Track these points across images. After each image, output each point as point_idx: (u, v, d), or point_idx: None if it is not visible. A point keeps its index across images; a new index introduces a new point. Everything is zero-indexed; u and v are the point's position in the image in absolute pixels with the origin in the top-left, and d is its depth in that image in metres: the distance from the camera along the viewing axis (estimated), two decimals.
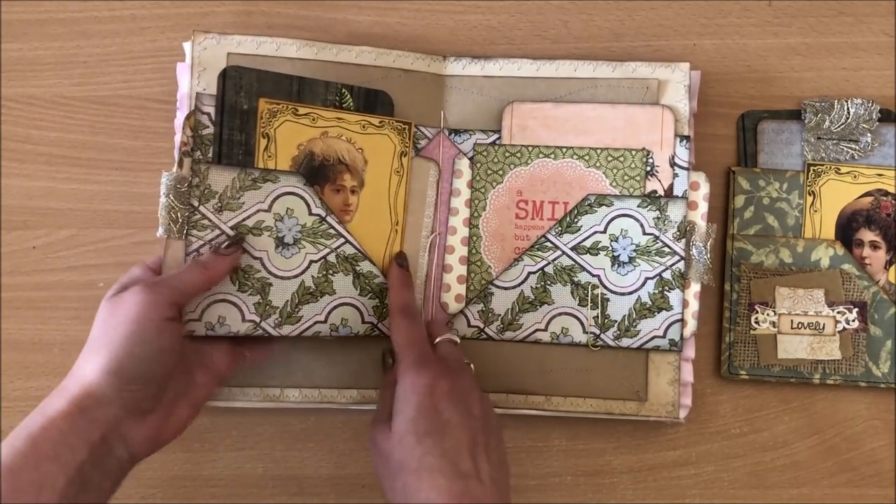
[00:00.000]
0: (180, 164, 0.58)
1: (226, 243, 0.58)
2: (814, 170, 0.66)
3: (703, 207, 0.63)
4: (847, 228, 0.66)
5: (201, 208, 0.58)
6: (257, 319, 0.60)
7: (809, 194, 0.66)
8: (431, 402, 0.52)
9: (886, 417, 0.66)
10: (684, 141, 0.63)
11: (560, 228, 0.63)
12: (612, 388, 0.64)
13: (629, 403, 0.64)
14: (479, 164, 0.64)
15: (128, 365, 0.51)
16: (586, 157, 0.64)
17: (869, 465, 0.66)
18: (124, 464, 0.52)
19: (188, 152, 0.59)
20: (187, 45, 0.61)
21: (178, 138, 0.61)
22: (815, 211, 0.66)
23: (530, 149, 0.64)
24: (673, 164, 0.63)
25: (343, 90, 0.62)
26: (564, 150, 0.64)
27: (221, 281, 0.58)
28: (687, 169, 0.63)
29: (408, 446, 0.50)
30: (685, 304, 0.63)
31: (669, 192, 0.63)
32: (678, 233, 0.63)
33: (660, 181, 0.63)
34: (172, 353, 0.53)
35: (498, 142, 0.64)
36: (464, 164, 0.65)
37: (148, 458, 0.64)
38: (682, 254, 0.63)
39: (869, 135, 0.66)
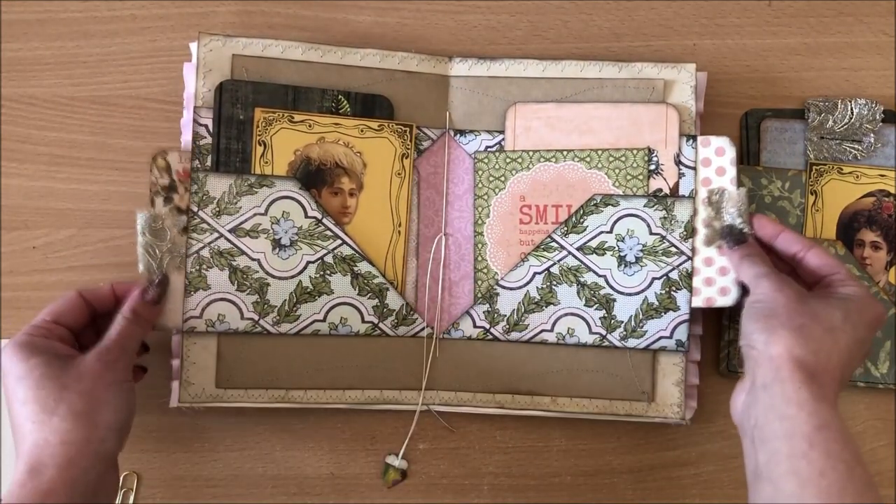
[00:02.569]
0: (152, 204, 0.60)
1: (152, 291, 0.59)
2: (816, 169, 0.66)
3: (732, 172, 0.62)
4: (848, 228, 0.66)
5: (200, 213, 0.61)
6: (256, 317, 0.61)
7: (811, 194, 0.66)
8: None
9: (886, 417, 0.66)
10: (691, 140, 0.63)
11: (566, 229, 0.63)
12: (618, 389, 0.64)
13: (636, 404, 0.64)
14: (480, 172, 0.64)
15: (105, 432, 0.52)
16: (587, 159, 0.63)
17: (869, 465, 0.65)
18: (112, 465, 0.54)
19: (158, 192, 0.60)
20: (194, 46, 0.62)
21: (184, 138, 0.62)
22: (817, 210, 0.66)
23: (531, 153, 0.64)
24: (678, 163, 0.63)
25: (339, 97, 0.63)
26: (565, 153, 0.64)
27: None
28: (693, 168, 0.63)
29: None
30: (723, 271, 0.62)
31: (675, 192, 0.63)
32: (685, 232, 0.63)
33: (665, 180, 0.63)
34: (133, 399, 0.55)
35: (502, 142, 0.64)
36: (468, 167, 0.65)
37: (148, 459, 0.65)
38: (689, 254, 0.62)
39: (872, 135, 0.66)
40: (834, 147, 0.66)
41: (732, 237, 0.60)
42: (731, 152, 0.62)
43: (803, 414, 0.49)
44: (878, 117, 0.66)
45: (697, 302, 0.63)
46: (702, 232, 0.63)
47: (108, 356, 0.53)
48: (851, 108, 0.66)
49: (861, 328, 0.53)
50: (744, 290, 0.61)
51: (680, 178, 0.63)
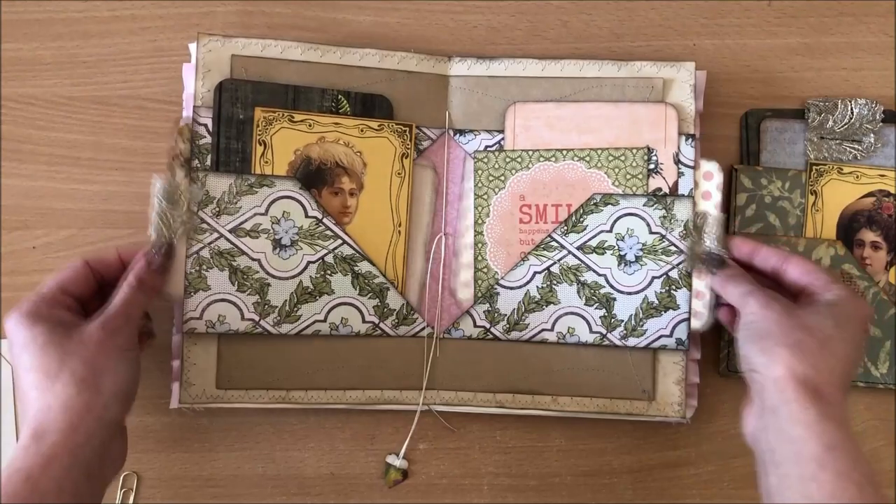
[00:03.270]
0: (172, 172, 0.60)
1: (157, 259, 0.59)
2: (816, 169, 0.66)
3: (717, 197, 0.63)
4: (848, 228, 0.66)
5: (200, 213, 0.60)
6: (256, 318, 0.61)
7: (811, 194, 0.66)
8: None
9: (886, 417, 0.66)
10: (689, 140, 0.63)
11: (566, 228, 0.63)
12: (619, 388, 0.64)
13: (636, 403, 0.64)
14: (480, 171, 0.64)
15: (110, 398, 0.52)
16: (587, 159, 0.63)
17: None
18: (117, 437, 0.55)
19: (179, 160, 0.60)
20: (193, 47, 0.62)
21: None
22: (817, 210, 0.66)
23: (531, 153, 0.64)
24: (678, 162, 0.63)
25: (339, 96, 0.63)
26: (565, 152, 0.64)
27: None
28: (692, 167, 0.63)
29: None
30: (698, 294, 0.63)
31: (674, 190, 0.63)
32: (684, 231, 0.63)
33: (664, 178, 0.63)
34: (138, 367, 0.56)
35: (502, 142, 0.64)
36: (469, 167, 0.65)
37: (148, 459, 0.65)
38: (689, 251, 0.63)
39: (872, 135, 0.66)
40: (834, 147, 0.66)
41: (713, 262, 0.61)
42: (718, 178, 0.63)
43: (812, 435, 0.49)
44: (878, 117, 0.66)
45: None
46: (684, 256, 0.63)
47: (112, 324, 0.53)
48: (851, 108, 0.66)
49: (852, 331, 0.54)
50: (718, 314, 0.62)
51: (679, 177, 0.63)
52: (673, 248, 0.63)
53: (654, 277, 0.63)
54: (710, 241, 0.62)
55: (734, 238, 0.62)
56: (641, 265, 0.63)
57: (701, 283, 0.62)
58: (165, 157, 0.60)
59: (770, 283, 0.59)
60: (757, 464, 0.53)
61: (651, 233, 0.63)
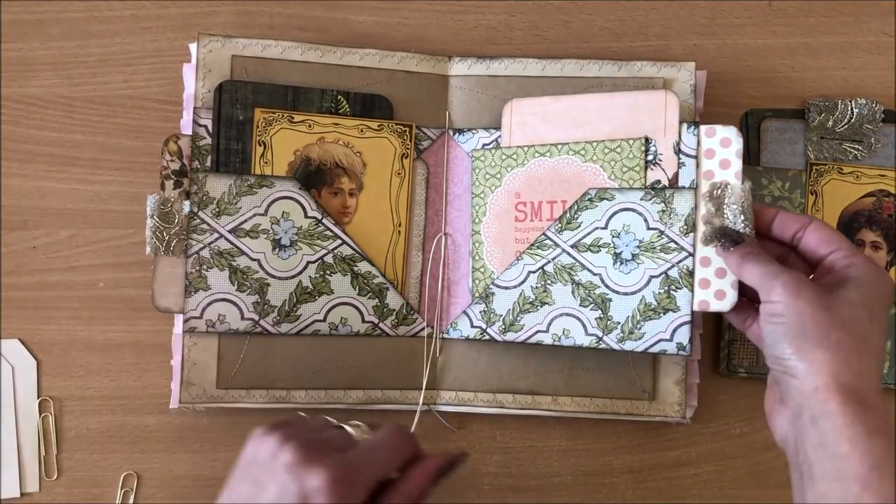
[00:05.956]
0: (162, 187, 0.61)
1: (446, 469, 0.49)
2: (816, 169, 0.66)
3: (737, 165, 0.58)
4: (848, 228, 0.66)
5: (200, 213, 0.61)
6: (256, 318, 0.61)
7: (811, 194, 0.66)
8: None
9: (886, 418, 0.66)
10: (692, 127, 0.60)
11: (560, 225, 0.62)
12: (619, 388, 0.63)
13: (636, 403, 0.63)
14: (477, 170, 0.64)
15: None
16: (582, 152, 0.62)
17: None
18: None
19: (169, 176, 0.61)
20: (193, 47, 0.62)
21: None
22: (817, 211, 0.66)
23: (526, 149, 0.63)
24: (678, 152, 0.60)
25: (339, 97, 0.63)
26: (560, 146, 0.62)
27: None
28: (694, 157, 0.60)
29: None
30: (720, 273, 0.58)
31: (675, 183, 0.60)
32: (685, 227, 0.59)
33: (663, 170, 0.60)
34: None
35: (499, 139, 0.64)
36: (467, 166, 0.65)
37: (148, 459, 0.65)
38: (690, 249, 0.59)
39: (872, 135, 0.66)
40: (834, 147, 0.66)
41: (728, 237, 0.56)
42: (737, 143, 0.58)
43: (856, 453, 0.45)
44: (878, 117, 0.66)
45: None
46: (701, 229, 0.59)
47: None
48: (851, 108, 0.66)
49: (882, 316, 0.50)
50: (741, 293, 0.58)
51: (680, 167, 0.60)
52: (673, 245, 0.59)
53: (652, 277, 0.60)
54: (732, 215, 0.57)
55: (756, 206, 0.57)
56: (638, 263, 0.60)
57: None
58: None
59: (783, 251, 0.56)
60: (790, 468, 0.50)
61: (649, 229, 0.60)
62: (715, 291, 0.59)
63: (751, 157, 0.67)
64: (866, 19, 0.68)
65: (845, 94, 0.67)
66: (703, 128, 0.59)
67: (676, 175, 0.60)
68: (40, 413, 0.64)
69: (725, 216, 0.58)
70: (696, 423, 0.66)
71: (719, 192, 0.58)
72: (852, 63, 0.68)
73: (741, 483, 0.66)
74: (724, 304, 0.58)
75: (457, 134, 0.65)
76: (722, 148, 0.59)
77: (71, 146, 0.66)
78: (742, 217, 0.57)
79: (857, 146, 0.66)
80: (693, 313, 0.59)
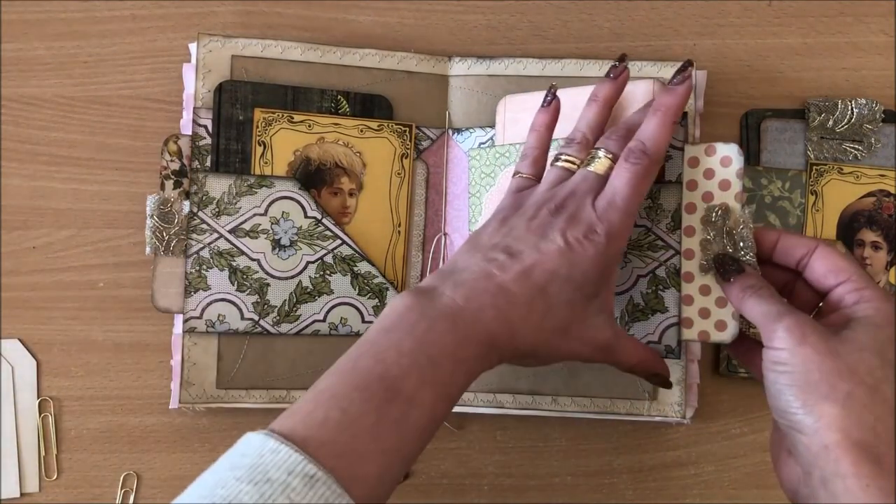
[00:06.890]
0: (162, 187, 0.61)
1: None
2: (816, 169, 0.66)
3: (737, 186, 0.55)
4: (848, 229, 0.66)
5: (200, 213, 0.61)
6: (256, 318, 0.62)
7: (811, 194, 0.66)
8: None
9: None
10: (681, 119, 0.56)
11: None
12: (619, 388, 0.63)
13: (636, 403, 0.63)
14: (473, 169, 0.64)
15: None
16: None
17: None
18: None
19: (169, 176, 0.61)
20: (193, 47, 0.62)
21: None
22: (817, 210, 0.66)
23: (517, 146, 0.62)
24: None
25: (339, 97, 0.63)
26: (551, 142, 0.62)
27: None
28: (681, 149, 0.57)
29: None
30: (720, 302, 0.55)
31: (661, 177, 0.57)
32: (672, 223, 0.56)
33: None
34: None
35: (494, 138, 0.64)
36: (465, 166, 0.65)
37: (148, 459, 0.64)
38: (677, 247, 0.56)
39: (872, 135, 0.66)
40: (834, 147, 0.66)
41: (728, 266, 0.53)
42: (738, 162, 0.55)
43: None
44: (878, 117, 0.66)
45: (690, 335, 0.56)
46: (698, 257, 0.56)
47: None
48: (851, 108, 0.66)
49: (894, 357, 0.46)
50: (744, 322, 0.55)
51: (667, 160, 0.57)
52: (660, 243, 0.57)
53: (639, 276, 0.58)
54: (731, 241, 0.54)
55: (757, 230, 0.54)
56: (626, 262, 0.58)
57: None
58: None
59: (790, 277, 0.53)
60: None
61: (636, 226, 0.57)
62: (715, 322, 0.56)
63: (751, 157, 0.67)
64: (866, 19, 0.68)
65: (845, 94, 0.67)
66: (702, 146, 0.56)
67: (663, 169, 0.57)
68: (40, 413, 0.64)
69: (724, 243, 0.54)
70: (697, 423, 0.66)
71: (717, 216, 0.55)
72: (852, 63, 0.68)
73: (741, 483, 0.66)
74: (726, 336, 0.55)
75: (456, 134, 0.65)
76: (722, 167, 0.55)
77: (71, 146, 0.66)
78: (742, 244, 0.54)
79: (857, 146, 0.66)
80: (681, 315, 0.57)
